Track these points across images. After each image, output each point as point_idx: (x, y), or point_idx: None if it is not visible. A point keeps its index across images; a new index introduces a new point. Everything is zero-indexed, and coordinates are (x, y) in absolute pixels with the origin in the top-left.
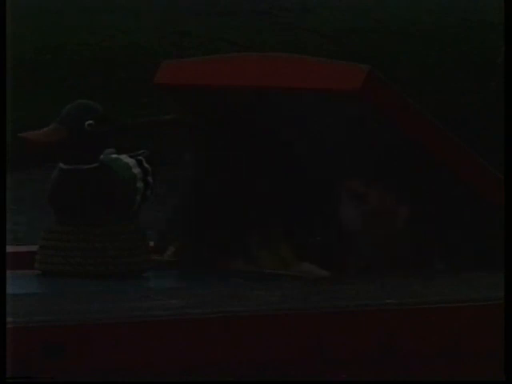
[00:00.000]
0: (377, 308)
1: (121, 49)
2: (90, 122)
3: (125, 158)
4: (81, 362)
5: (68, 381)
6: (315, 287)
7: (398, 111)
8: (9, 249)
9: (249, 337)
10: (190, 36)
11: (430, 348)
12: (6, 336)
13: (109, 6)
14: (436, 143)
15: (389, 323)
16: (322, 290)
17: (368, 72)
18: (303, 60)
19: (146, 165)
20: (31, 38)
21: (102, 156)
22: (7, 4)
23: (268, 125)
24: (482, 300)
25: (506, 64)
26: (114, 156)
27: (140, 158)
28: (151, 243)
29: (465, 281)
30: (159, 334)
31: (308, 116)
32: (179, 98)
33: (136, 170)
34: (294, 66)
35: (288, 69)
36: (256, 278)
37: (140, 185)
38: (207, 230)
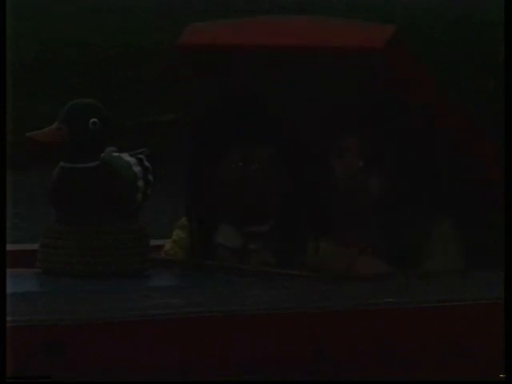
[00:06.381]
0: (377, 308)
1: (121, 49)
2: (94, 120)
3: (125, 156)
4: (81, 361)
5: (68, 381)
6: (315, 287)
7: (419, 78)
8: (9, 247)
9: (248, 337)
10: None
11: (430, 348)
12: (6, 335)
13: (109, 6)
14: (449, 118)
15: (389, 323)
16: (321, 290)
17: (393, 31)
18: (327, 20)
19: (147, 163)
20: (31, 38)
21: (102, 154)
22: (7, 4)
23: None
24: (482, 300)
25: (506, 64)
26: (115, 154)
27: (140, 156)
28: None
29: (465, 281)
30: (160, 333)
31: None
32: (200, 63)
33: (137, 169)
34: (319, 25)
35: (312, 28)
36: (256, 277)
37: (141, 183)
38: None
